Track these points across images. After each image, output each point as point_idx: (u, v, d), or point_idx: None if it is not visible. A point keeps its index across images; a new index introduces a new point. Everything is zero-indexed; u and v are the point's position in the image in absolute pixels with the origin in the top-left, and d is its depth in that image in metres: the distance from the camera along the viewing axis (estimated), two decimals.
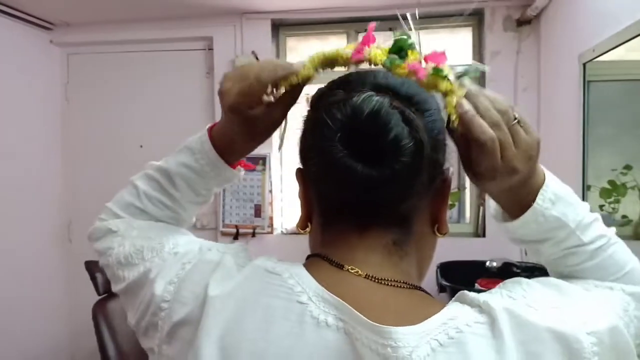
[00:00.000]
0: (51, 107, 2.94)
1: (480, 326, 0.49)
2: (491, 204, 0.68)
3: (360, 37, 0.65)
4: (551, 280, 0.58)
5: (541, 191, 0.60)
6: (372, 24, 0.61)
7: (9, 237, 2.60)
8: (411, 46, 0.57)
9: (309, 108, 0.61)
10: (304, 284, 0.52)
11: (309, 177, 0.60)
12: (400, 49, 0.57)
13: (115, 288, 0.66)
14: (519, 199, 0.61)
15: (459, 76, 0.57)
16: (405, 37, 0.58)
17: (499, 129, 0.54)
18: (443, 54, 0.57)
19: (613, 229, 0.65)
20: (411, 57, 0.57)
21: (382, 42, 0.60)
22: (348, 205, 0.57)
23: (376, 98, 0.53)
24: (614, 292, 0.59)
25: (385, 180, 0.52)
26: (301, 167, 0.62)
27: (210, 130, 0.71)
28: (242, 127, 0.66)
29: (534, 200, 0.60)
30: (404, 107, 0.54)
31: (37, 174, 2.83)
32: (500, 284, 0.58)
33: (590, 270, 0.62)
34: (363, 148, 0.52)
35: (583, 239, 0.62)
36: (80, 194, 3.02)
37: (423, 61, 0.56)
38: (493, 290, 0.56)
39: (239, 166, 0.75)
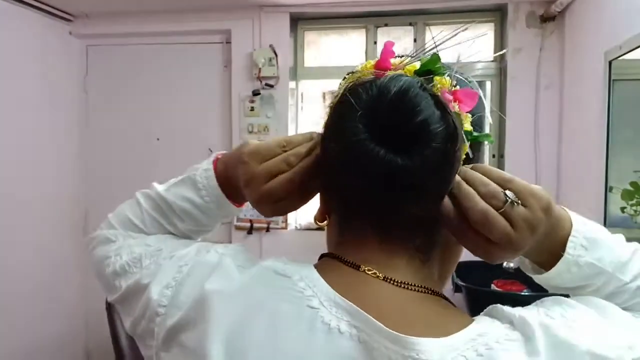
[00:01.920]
0: (70, 98, 2.96)
1: (513, 343, 0.45)
2: None
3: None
4: (595, 300, 0.53)
5: (570, 239, 0.54)
6: (390, 43, 0.57)
7: (27, 228, 2.63)
8: (439, 70, 0.53)
9: (326, 104, 0.57)
10: (315, 287, 0.49)
11: (327, 165, 0.55)
12: (427, 72, 0.53)
13: (110, 298, 0.63)
14: (546, 248, 0.55)
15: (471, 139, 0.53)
16: (435, 58, 0.54)
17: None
18: (474, 95, 0.53)
19: None
20: (439, 86, 0.53)
21: (400, 47, 0.56)
22: (368, 201, 0.51)
23: (405, 78, 0.49)
24: None
25: (410, 169, 0.47)
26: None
27: (215, 162, 0.66)
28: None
29: (563, 250, 0.54)
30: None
31: (55, 164, 2.85)
32: (538, 301, 0.53)
33: (633, 308, 0.56)
34: (387, 131, 0.47)
35: (624, 278, 0.55)
36: (97, 185, 3.05)
37: (449, 95, 0.53)
38: (529, 307, 0.51)
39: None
